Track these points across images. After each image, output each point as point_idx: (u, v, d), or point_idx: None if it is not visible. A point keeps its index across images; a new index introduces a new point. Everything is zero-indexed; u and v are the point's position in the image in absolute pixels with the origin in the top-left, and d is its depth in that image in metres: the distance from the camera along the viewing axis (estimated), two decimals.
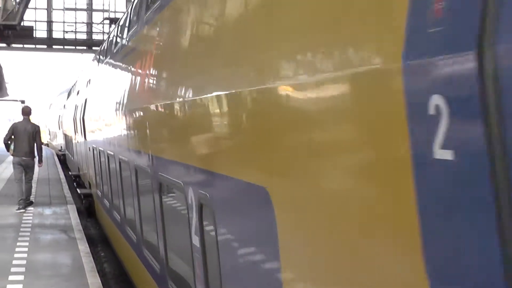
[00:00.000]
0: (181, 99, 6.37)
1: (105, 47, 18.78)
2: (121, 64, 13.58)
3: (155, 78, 8.44)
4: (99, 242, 17.54)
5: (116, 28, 15.70)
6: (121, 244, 12.69)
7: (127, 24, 12.67)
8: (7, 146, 18.25)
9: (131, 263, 11.07)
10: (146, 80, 8.99)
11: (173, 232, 7.49)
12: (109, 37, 18.04)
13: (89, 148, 19.73)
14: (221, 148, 5.12)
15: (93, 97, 19.52)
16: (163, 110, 7.60)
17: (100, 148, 15.52)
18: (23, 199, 17.63)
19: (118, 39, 14.52)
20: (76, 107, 25.97)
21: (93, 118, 18.27)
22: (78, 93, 27.79)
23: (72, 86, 36.19)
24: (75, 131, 26.18)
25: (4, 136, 18.45)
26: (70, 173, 30.63)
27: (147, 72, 8.99)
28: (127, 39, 12.48)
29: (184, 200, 6.09)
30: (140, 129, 9.66)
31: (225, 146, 5.04)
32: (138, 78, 9.98)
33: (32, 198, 18.90)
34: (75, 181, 27.60)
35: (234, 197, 4.71)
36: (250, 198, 4.27)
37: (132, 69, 11.06)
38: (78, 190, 23.21)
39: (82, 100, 22.80)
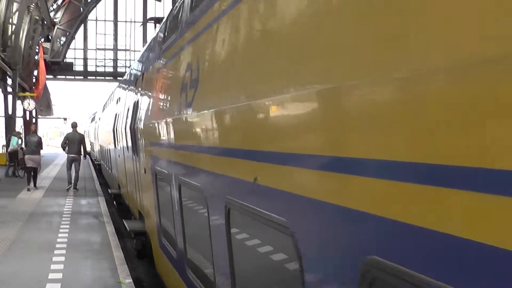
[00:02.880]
0: None
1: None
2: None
3: None
4: None
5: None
6: None
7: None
8: (64, 149, 20.66)
9: None
10: None
11: None
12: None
13: (144, 169, 10.00)
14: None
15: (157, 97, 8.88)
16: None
17: (184, 179, 6.46)
18: (71, 183, 19.88)
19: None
20: (116, 116, 16.36)
21: (162, 129, 7.98)
22: (118, 100, 17.11)
23: (109, 97, 24.77)
24: (115, 143, 16.62)
25: (62, 142, 21.22)
26: (109, 190, 20.31)
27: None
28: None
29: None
30: None
31: None
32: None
33: (77, 191, 19.74)
34: (115, 199, 19.01)
35: None
36: None
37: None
38: (126, 224, 12.08)
39: (127, 106, 12.97)
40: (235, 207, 4.17)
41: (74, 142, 20.04)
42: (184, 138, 6.29)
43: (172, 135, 6.90)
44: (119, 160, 16.42)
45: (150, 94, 9.27)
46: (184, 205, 6.49)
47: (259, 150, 3.71)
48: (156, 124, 7.99)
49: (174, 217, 6.94)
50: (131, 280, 8.12)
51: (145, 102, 9.80)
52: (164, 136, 7.44)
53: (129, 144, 12.03)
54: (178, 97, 6.12)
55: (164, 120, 7.26)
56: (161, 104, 8.13)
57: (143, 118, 9.71)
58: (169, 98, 7.40)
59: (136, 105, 11.04)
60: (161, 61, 8.25)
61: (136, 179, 11.63)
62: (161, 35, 8.59)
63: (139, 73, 11.42)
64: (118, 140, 15.44)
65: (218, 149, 4.75)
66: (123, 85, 16.71)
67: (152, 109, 8.87)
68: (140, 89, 10.78)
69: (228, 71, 4.52)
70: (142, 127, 9.76)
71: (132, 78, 13.20)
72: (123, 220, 12.90)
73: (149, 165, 9.13)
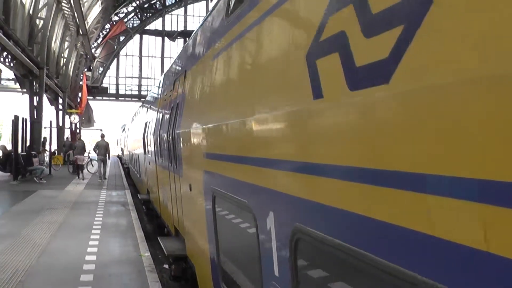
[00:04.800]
0: None
1: None
2: None
3: None
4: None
5: None
6: None
7: None
8: (95, 151, 21.62)
9: None
10: None
11: None
12: None
13: (189, 186, 5.81)
14: None
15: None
16: None
17: (311, 231, 2.16)
18: (101, 175, 21.07)
19: None
20: (146, 124, 12.73)
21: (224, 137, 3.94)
22: (148, 109, 13.50)
23: (136, 111, 21.84)
24: (145, 150, 12.76)
25: (93, 147, 22.03)
26: (139, 196, 15.54)
27: None
28: None
29: None
30: None
31: None
32: None
33: (105, 182, 20.66)
34: (144, 204, 14.32)
35: None
36: None
37: None
38: (162, 244, 7.81)
39: (161, 112, 9.44)
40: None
41: (102, 147, 21.26)
42: (322, 150, 2.19)
43: (272, 145, 2.86)
44: (149, 167, 12.15)
45: (204, 89, 5.13)
46: (306, 273, 2.51)
47: None
48: (221, 128, 4.02)
49: (266, 275, 2.98)
50: (149, 254, 8.07)
51: (193, 102, 5.71)
52: (242, 145, 3.43)
53: (164, 153, 8.29)
54: (295, 71, 2.43)
55: (246, 119, 3.25)
56: (234, 95, 3.80)
57: (190, 122, 5.65)
58: (256, 83, 3.19)
59: (177, 109, 6.95)
60: (231, 35, 3.96)
61: (172, 192, 7.75)
62: (226, 3, 4.35)
63: (178, 73, 7.64)
64: (149, 147, 11.59)
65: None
66: (154, 95, 12.78)
67: (211, 108, 4.66)
68: (183, 89, 6.69)
69: None
70: (188, 133, 5.69)
71: (167, 83, 9.36)
72: (159, 238, 8.60)
73: (200, 182, 5.07)
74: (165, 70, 11.16)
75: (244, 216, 3.55)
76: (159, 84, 11.55)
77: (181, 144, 6.32)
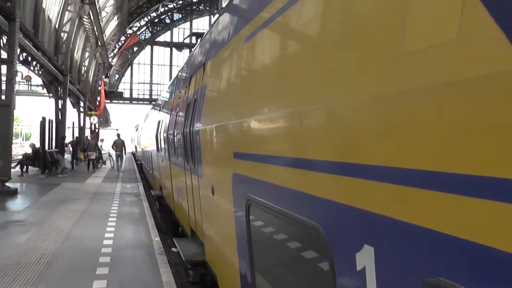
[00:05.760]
0: None
1: None
2: None
3: None
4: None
5: None
6: None
7: None
8: (113, 148, 22.68)
9: None
10: None
11: None
12: None
13: (212, 188, 4.31)
14: None
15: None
16: None
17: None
18: (118, 169, 22.00)
19: None
20: (159, 122, 11.24)
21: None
22: (161, 109, 11.73)
23: (148, 112, 20.73)
24: (158, 148, 11.39)
25: (112, 145, 23.18)
26: (152, 192, 14.15)
27: None
28: None
29: None
30: None
31: None
32: None
33: (121, 174, 21.09)
34: (157, 200, 12.85)
35: None
36: None
37: None
38: (180, 249, 6.35)
39: (176, 110, 7.82)
40: None
41: (118, 145, 22.37)
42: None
43: (379, 145, 1.50)
44: (162, 164, 10.71)
45: (235, 77, 3.71)
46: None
47: None
48: (266, 122, 2.66)
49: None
50: (159, 239, 8.06)
51: (217, 95, 4.37)
52: (311, 144, 2.03)
53: (179, 151, 6.96)
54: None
55: (319, 107, 1.95)
56: (292, 78, 2.28)
57: (213, 118, 4.33)
58: (334, 57, 1.84)
59: (194, 105, 5.57)
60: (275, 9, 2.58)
61: (189, 192, 6.39)
62: None
63: (195, 68, 6.16)
64: (162, 145, 10.09)
65: None
66: (166, 94, 11.17)
67: (245, 98, 3.23)
68: (201, 83, 5.28)
69: None
70: (210, 130, 4.40)
71: (181, 81, 8.01)
72: (175, 239, 7.34)
73: (228, 186, 3.72)
74: (172, 77, 10.56)
75: (303, 239, 2.27)
76: (172, 83, 9.92)
77: (201, 142, 4.93)
